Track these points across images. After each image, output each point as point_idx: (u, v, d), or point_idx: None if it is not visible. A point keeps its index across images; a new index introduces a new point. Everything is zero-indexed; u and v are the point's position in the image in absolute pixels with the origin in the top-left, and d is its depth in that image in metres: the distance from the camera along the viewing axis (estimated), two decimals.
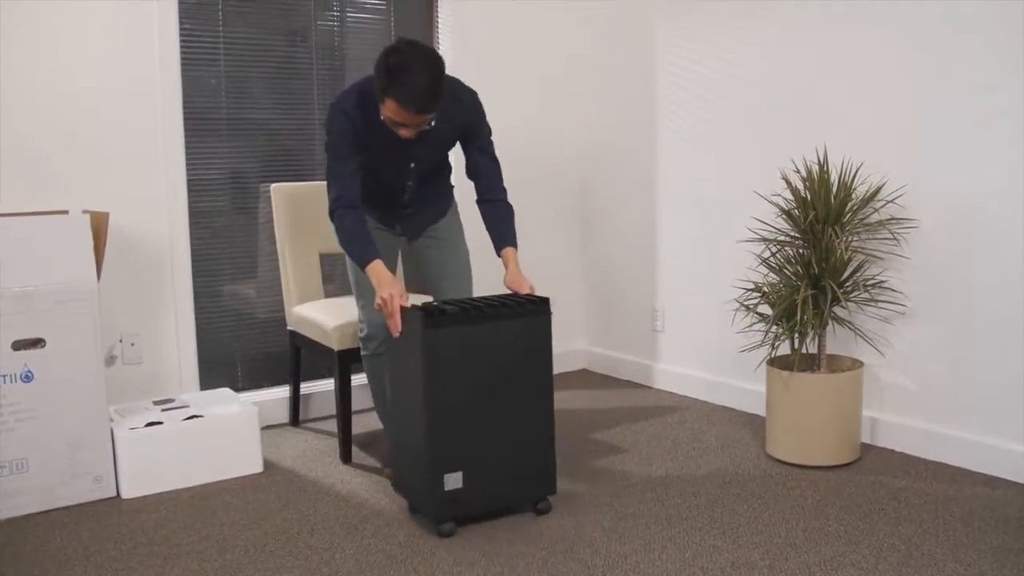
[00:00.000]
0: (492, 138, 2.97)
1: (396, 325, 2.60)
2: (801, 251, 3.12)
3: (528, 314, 2.63)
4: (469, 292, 3.07)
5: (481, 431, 2.60)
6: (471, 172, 2.96)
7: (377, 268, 2.71)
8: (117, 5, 3.29)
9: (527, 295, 2.74)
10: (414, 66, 2.52)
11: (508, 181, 4.24)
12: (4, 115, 3.13)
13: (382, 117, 2.67)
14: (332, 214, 2.77)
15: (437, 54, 2.61)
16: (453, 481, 2.57)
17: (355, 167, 2.76)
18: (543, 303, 2.67)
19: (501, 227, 2.91)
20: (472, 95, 2.89)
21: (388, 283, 2.64)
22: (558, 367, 4.51)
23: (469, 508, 2.61)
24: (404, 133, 2.66)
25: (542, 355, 2.67)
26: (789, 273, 3.15)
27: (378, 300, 2.63)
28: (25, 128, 3.17)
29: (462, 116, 2.85)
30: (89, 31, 3.26)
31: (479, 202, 2.96)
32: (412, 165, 2.91)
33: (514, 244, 2.90)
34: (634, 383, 4.27)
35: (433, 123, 2.70)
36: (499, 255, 2.89)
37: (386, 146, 2.79)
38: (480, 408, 2.59)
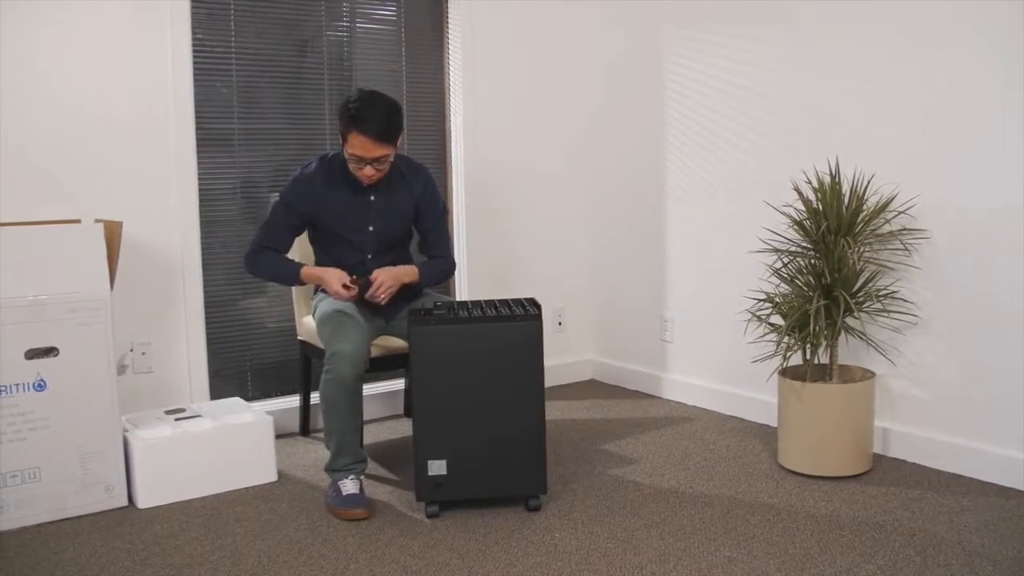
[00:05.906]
0: (445, 214, 3.23)
1: (354, 295, 2.96)
2: (813, 261, 3.12)
3: (518, 319, 2.75)
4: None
5: (466, 425, 2.75)
6: (424, 248, 3.21)
7: (308, 270, 3.03)
8: (130, 17, 3.31)
9: (520, 300, 2.93)
10: (375, 101, 2.88)
11: (517, 191, 4.25)
12: (17, 124, 3.14)
13: (346, 156, 2.90)
14: (248, 256, 3.07)
15: (393, 99, 2.93)
16: (437, 468, 2.75)
17: (290, 230, 3.07)
18: (535, 309, 2.80)
19: (426, 265, 3.16)
20: (425, 170, 3.16)
21: (332, 275, 2.96)
22: (566, 378, 4.51)
23: (452, 494, 2.77)
24: (367, 172, 2.90)
25: (532, 359, 2.76)
26: (801, 283, 3.15)
27: (338, 292, 2.94)
28: (38, 137, 3.18)
29: (416, 186, 3.12)
30: (103, 42, 3.27)
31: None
32: (371, 228, 3.07)
33: (420, 272, 3.11)
34: (643, 393, 4.27)
35: (390, 160, 2.92)
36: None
37: (345, 207, 3.04)
38: (466, 404, 2.74)
